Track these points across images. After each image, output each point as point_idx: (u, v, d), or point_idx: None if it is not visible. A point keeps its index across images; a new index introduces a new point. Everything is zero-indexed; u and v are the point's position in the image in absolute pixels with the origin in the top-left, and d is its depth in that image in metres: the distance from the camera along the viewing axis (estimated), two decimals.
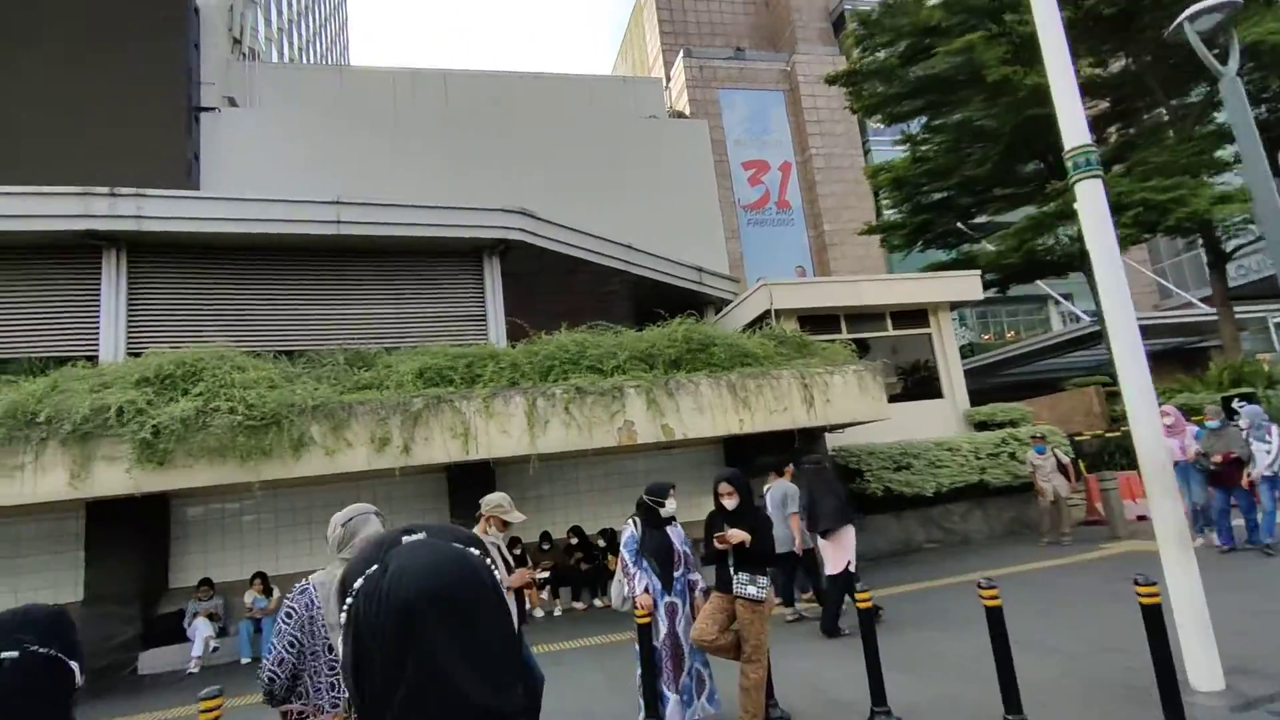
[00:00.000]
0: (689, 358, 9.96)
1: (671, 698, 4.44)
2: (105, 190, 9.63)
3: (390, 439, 8.16)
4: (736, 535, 4.47)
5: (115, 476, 7.34)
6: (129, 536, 8.91)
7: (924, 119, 21.90)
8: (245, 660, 8.76)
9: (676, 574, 4.72)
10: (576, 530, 10.52)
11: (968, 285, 14.30)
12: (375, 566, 0.81)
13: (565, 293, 14.03)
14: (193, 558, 9.74)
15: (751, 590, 4.47)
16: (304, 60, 48.55)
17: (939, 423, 13.48)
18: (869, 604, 4.76)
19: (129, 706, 7.24)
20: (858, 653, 4.77)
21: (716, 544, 4.48)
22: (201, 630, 8.72)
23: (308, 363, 9.35)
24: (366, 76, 31.76)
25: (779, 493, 8.05)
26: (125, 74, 25.97)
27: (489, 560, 0.91)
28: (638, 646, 4.59)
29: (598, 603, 10.06)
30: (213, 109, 27.78)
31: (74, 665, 1.41)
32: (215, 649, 8.67)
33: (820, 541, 7.44)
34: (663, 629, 4.56)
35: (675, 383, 9.37)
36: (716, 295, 15.97)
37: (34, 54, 24.40)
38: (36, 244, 9.67)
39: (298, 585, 2.58)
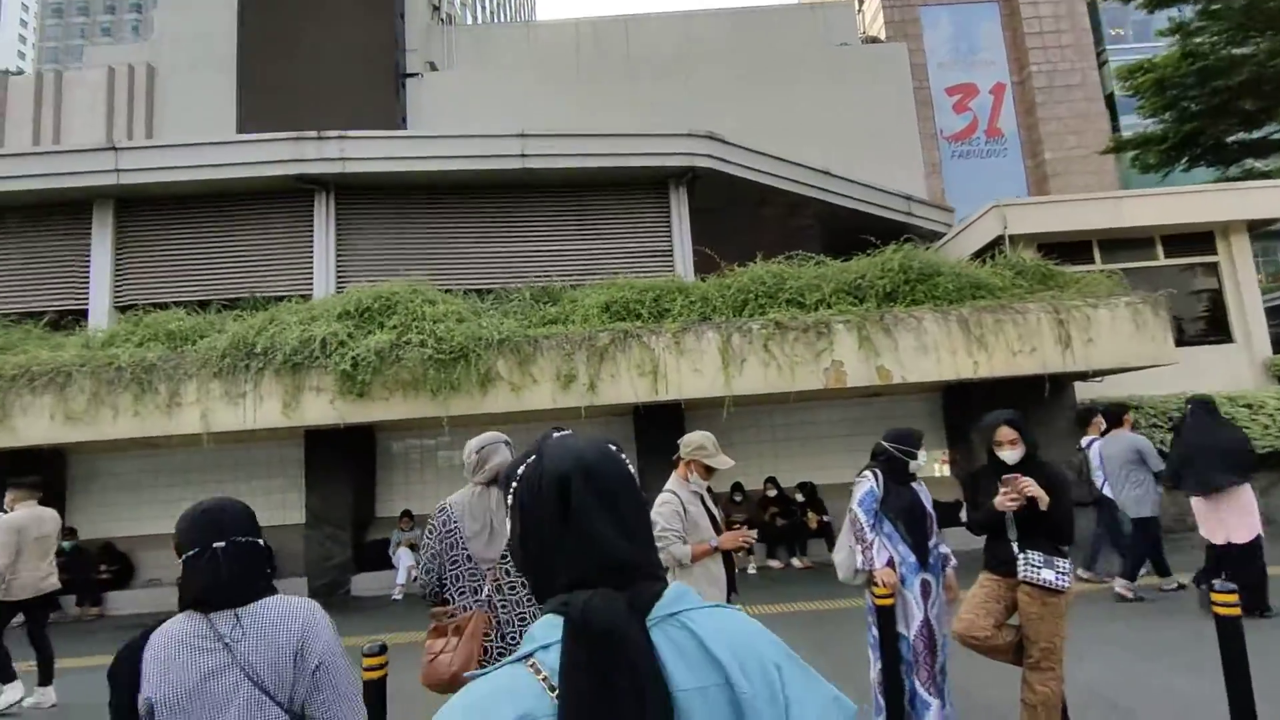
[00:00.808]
0: (906, 290, 8.49)
1: (932, 703, 3.39)
2: (313, 134, 9.97)
3: (576, 376, 7.67)
4: (1033, 486, 3.27)
5: (321, 407, 7.51)
6: (342, 466, 9.33)
7: (1200, 2, 17.64)
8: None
9: (930, 544, 3.61)
10: (772, 481, 9.56)
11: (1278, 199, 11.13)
12: (533, 458, 0.96)
13: (754, 227, 12.86)
14: (396, 489, 10.09)
15: (1047, 575, 3.26)
16: (495, 21, 50.32)
17: (1226, 373, 10.74)
18: (1234, 599, 3.29)
19: (344, 626, 7.44)
20: (1197, 657, 3.38)
21: (1002, 503, 3.30)
22: (404, 559, 8.97)
23: (495, 299, 9.14)
24: (551, 30, 31.93)
25: (1123, 446, 6.53)
26: (341, 44, 28.18)
27: (624, 457, 1.00)
28: (875, 632, 3.58)
29: (795, 562, 9.12)
30: (416, 74, 29.40)
31: (264, 543, 1.82)
32: (415, 578, 8.88)
33: (1201, 504, 5.71)
34: (916, 614, 3.50)
35: (893, 317, 7.98)
36: (927, 228, 13.94)
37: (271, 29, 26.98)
38: (257, 190, 10.26)
39: (437, 506, 2.88)
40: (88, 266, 10.14)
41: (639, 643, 0.79)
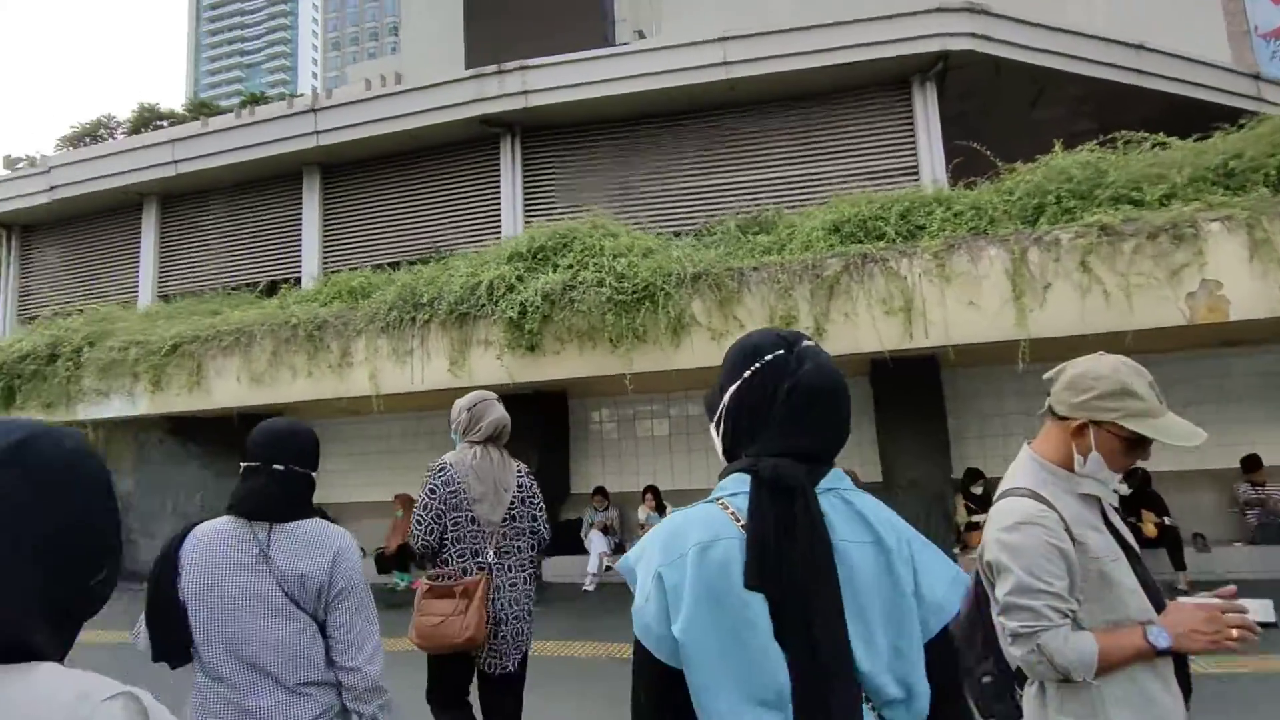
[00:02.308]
0: None
1: None
2: (492, 69, 9.00)
3: (795, 317, 5.73)
4: None
5: (488, 364, 6.39)
6: (531, 435, 8.29)
7: None
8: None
9: None
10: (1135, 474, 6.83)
11: None
12: (782, 350, 1.04)
13: (1025, 130, 9.76)
14: (591, 462, 8.91)
15: None
16: None
17: None
18: None
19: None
20: None
21: None
22: (596, 544, 7.72)
23: (695, 239, 7.47)
24: None
25: None
26: (553, 21, 28.33)
27: None
28: None
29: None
30: (624, 44, 28.71)
31: (314, 476, 1.91)
32: (608, 567, 7.58)
33: None
34: None
35: None
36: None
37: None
38: (445, 141, 9.57)
39: (435, 464, 2.74)
40: (299, 234, 10.19)
41: (813, 498, 0.94)
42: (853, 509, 0.97)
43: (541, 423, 8.27)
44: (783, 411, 1.00)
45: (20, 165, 27.80)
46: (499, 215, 9.27)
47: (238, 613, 1.71)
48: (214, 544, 1.75)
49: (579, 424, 9.05)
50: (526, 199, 9.26)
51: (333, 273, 9.17)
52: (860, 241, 6.01)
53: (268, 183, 10.40)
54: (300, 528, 1.80)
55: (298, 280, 9.82)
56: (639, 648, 0.95)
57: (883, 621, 0.92)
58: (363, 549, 9.05)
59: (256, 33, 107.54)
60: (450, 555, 2.66)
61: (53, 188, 10.92)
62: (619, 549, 7.98)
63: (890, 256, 5.69)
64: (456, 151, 9.65)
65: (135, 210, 11.00)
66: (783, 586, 0.89)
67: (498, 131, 9.35)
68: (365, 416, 9.05)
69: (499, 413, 2.80)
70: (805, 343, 1.06)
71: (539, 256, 6.58)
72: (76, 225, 11.49)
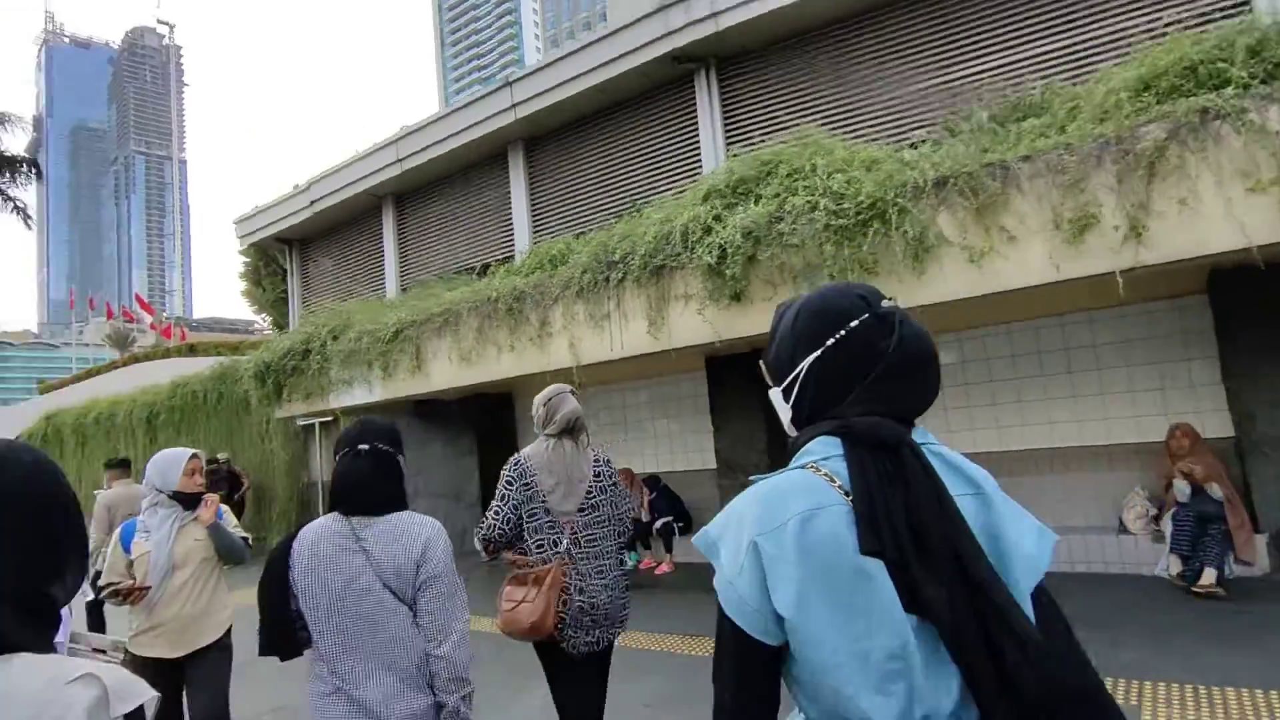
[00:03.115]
0: None
1: None
2: None
3: (1095, 215, 4.09)
4: None
5: (689, 321, 5.56)
6: (751, 401, 7.39)
7: None
8: None
9: None
10: None
11: None
12: (866, 314, 0.99)
13: None
14: None
15: None
16: None
17: None
18: None
19: None
20: None
21: None
22: None
23: (932, 147, 5.92)
24: None
25: None
26: None
27: None
28: None
29: None
30: None
31: (401, 460, 2.03)
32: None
33: None
34: None
35: None
36: None
37: None
38: (639, 90, 8.88)
39: (512, 459, 2.77)
40: (509, 212, 10.24)
41: (920, 452, 0.91)
42: (947, 462, 0.96)
43: (764, 386, 7.32)
44: (875, 379, 0.97)
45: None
46: (699, 157, 8.39)
47: (344, 606, 1.80)
48: (318, 542, 1.86)
49: None
50: (727, 134, 8.25)
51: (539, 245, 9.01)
52: (1190, 95, 4.13)
53: (478, 167, 10.58)
54: (394, 520, 1.90)
55: (513, 259, 9.90)
56: (728, 624, 0.91)
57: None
58: None
59: (489, 46, 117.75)
60: (529, 546, 2.71)
61: (312, 203, 12.22)
62: None
63: (1250, 107, 3.80)
64: (650, 98, 8.93)
65: (376, 211, 11.92)
66: (903, 548, 0.84)
67: (690, 68, 8.43)
68: (588, 391, 8.81)
69: (571, 406, 2.83)
70: (886, 302, 1.02)
71: (739, 190, 5.57)
72: (334, 233, 12.80)
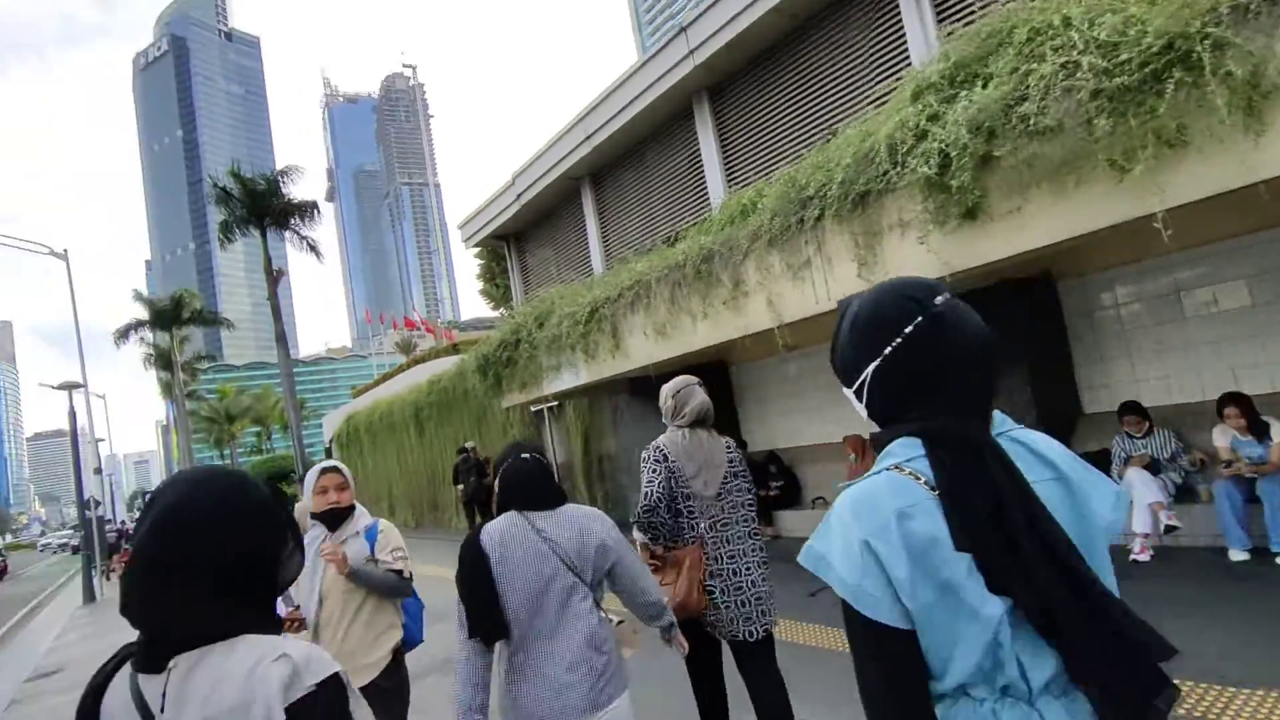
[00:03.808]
0: None
1: None
2: None
3: None
4: None
5: (909, 252, 4.45)
6: (1016, 342, 5.96)
7: None
8: (1238, 553, 4.63)
9: None
10: None
11: None
12: (920, 318, 0.99)
13: None
14: (1110, 368, 6.07)
15: None
16: None
17: None
18: None
19: None
20: None
21: None
22: (1143, 489, 5.05)
23: None
24: None
25: None
26: None
27: None
28: None
29: None
30: None
31: (551, 466, 2.27)
32: (1172, 527, 4.88)
33: None
34: None
35: None
36: None
37: None
38: (820, 4, 7.66)
39: (651, 446, 2.83)
40: (701, 170, 9.57)
41: (999, 450, 0.93)
42: (1026, 448, 0.98)
43: (1023, 317, 5.86)
44: (941, 378, 0.98)
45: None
46: (906, 53, 6.98)
47: (538, 589, 2.01)
48: (507, 535, 2.07)
49: (1080, 313, 6.25)
50: (939, 10, 6.75)
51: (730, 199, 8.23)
52: None
53: (665, 129, 10.02)
54: (566, 512, 2.14)
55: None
56: (867, 625, 0.92)
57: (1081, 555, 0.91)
58: (821, 497, 8.13)
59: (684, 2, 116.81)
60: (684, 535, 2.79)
61: (518, 196, 12.61)
62: (1184, 493, 5.15)
63: None
64: (839, 8, 7.64)
65: (576, 194, 11.95)
66: (991, 543, 0.89)
67: None
68: (802, 352, 7.93)
69: (700, 398, 2.88)
70: (941, 298, 1.01)
71: (958, 79, 4.32)
72: (542, 222, 13.13)
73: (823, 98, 7.82)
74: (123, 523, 19.53)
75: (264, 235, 26.34)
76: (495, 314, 25.66)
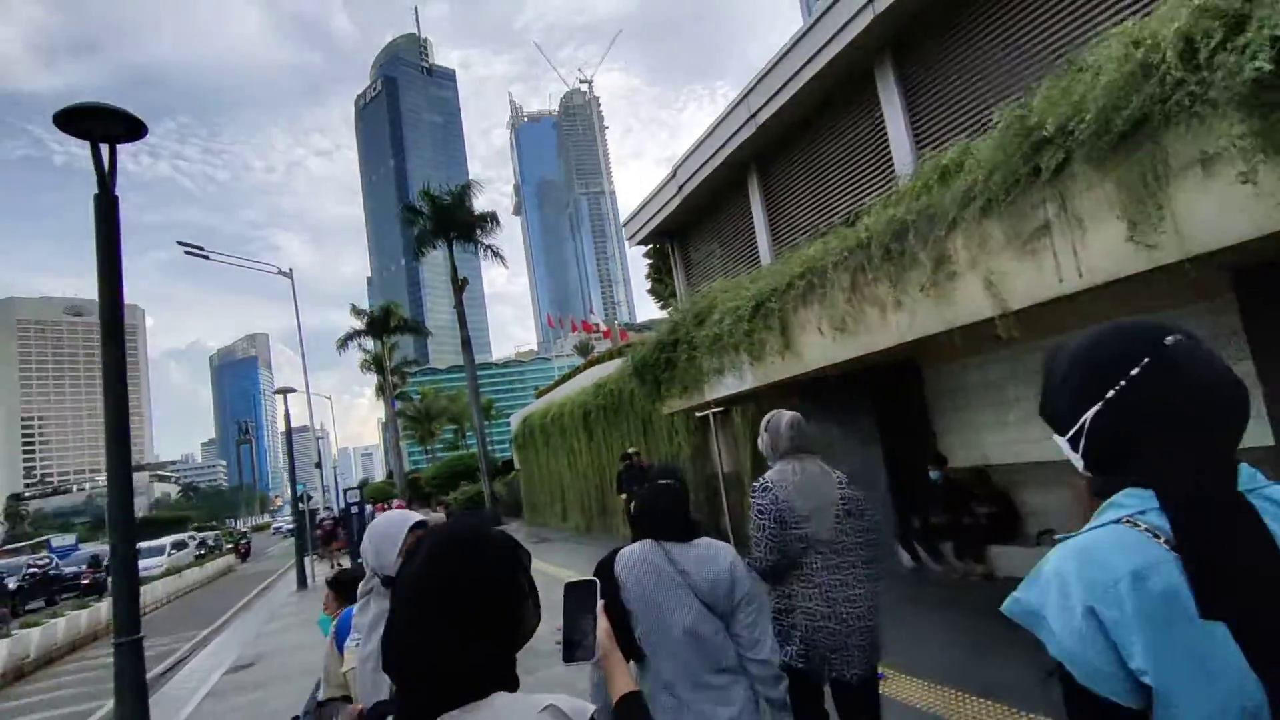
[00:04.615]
0: None
1: None
2: None
3: None
4: None
5: (1217, 196, 3.02)
6: None
7: None
8: None
9: None
10: None
11: None
12: (1148, 359, 0.89)
13: None
14: None
15: None
16: None
17: None
18: None
19: None
20: None
21: None
22: None
23: None
24: None
25: None
26: None
27: None
28: None
29: None
30: None
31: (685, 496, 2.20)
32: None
33: None
34: None
35: None
36: None
37: None
38: None
39: (760, 485, 2.70)
40: (884, 138, 8.22)
41: (1254, 509, 0.83)
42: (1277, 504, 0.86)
43: None
44: (1173, 424, 0.89)
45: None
46: None
47: (671, 622, 1.97)
48: (642, 564, 2.05)
49: None
50: None
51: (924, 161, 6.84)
52: None
53: (838, 98, 8.77)
54: (700, 545, 2.10)
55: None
56: (1083, 696, 0.84)
57: None
58: (1049, 530, 6.51)
59: None
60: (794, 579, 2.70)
61: (680, 188, 11.88)
62: None
63: None
64: None
65: (740, 181, 10.99)
66: (1246, 611, 0.79)
67: None
68: (1024, 347, 6.37)
69: (788, 416, 2.79)
70: (1172, 338, 0.91)
71: None
72: (705, 214, 12.29)
73: (1048, 21, 6.23)
74: (338, 510, 21.50)
75: (450, 247, 28.05)
76: (665, 314, 25.39)
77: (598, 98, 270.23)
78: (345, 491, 17.28)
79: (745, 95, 9.75)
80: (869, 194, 8.27)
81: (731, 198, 11.32)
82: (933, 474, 7.28)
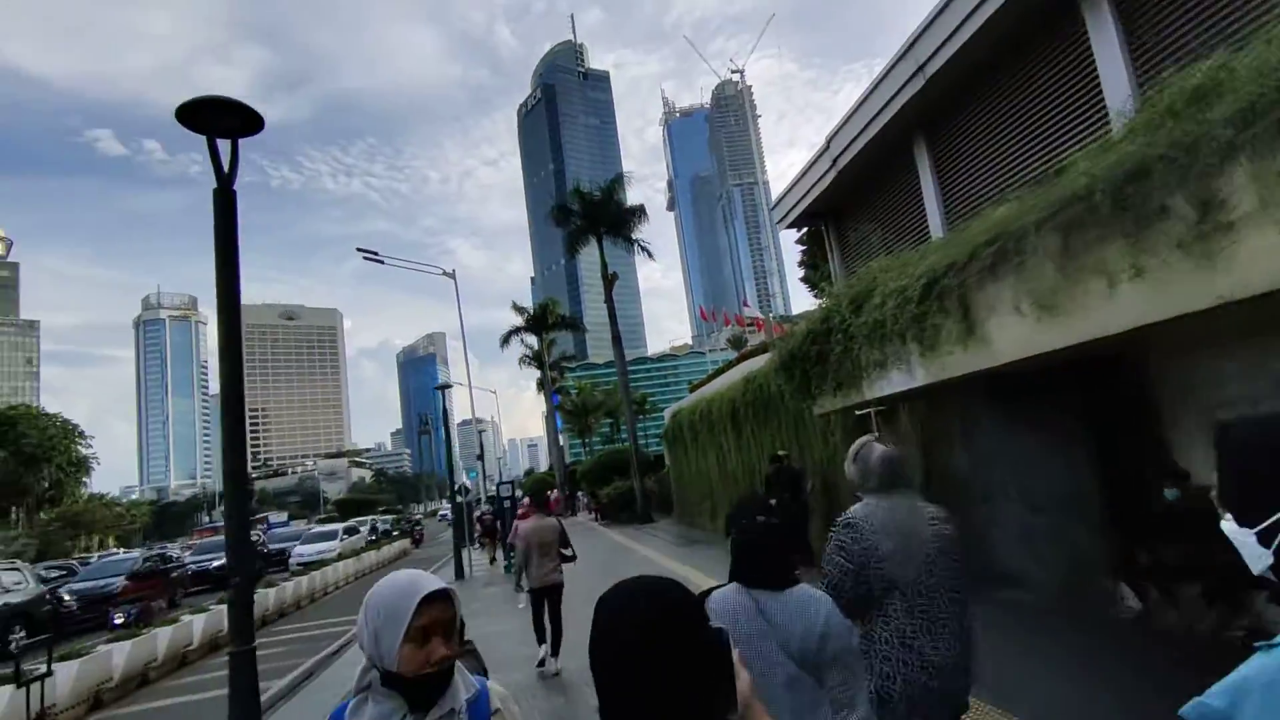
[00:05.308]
0: None
1: None
2: None
3: None
4: None
5: None
6: None
7: None
8: None
9: None
10: None
11: None
12: None
13: None
14: None
15: None
16: None
17: None
18: None
19: None
20: None
21: None
22: None
23: None
24: None
25: None
26: None
27: None
28: None
29: None
30: None
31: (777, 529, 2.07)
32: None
33: None
34: None
35: None
36: None
37: None
38: None
39: (842, 522, 2.56)
40: (1093, 73, 6.65)
41: None
42: None
43: None
44: None
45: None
46: None
47: (758, 681, 1.58)
48: (730, 611, 1.91)
49: None
50: None
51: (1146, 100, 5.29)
52: None
53: (1028, 32, 7.26)
54: (793, 595, 1.95)
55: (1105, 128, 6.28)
56: None
57: None
58: None
59: None
60: (879, 622, 2.54)
61: (834, 161, 10.68)
62: None
63: None
64: None
65: (905, 148, 9.62)
66: None
67: None
68: None
69: (881, 451, 2.62)
70: None
71: None
72: (864, 189, 10.99)
73: None
74: (492, 503, 22.26)
75: (600, 242, 28.22)
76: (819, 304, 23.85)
77: (750, 87, 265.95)
78: (498, 486, 17.65)
79: (910, 45, 8.42)
80: (1071, 147, 6.73)
81: (894, 168, 9.97)
82: (1168, 493, 5.72)
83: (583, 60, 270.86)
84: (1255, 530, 0.90)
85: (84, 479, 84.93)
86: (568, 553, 7.26)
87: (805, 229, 15.68)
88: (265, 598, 14.48)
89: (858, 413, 10.16)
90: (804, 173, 11.83)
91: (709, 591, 1.92)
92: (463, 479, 19.41)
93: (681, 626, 0.99)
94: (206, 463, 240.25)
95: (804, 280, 22.54)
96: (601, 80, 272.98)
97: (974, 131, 8.41)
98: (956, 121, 8.70)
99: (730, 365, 22.46)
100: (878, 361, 6.01)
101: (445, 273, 26.02)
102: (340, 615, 13.97)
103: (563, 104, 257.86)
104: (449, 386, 18.97)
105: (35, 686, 7.70)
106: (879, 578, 2.43)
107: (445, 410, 18.04)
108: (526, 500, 8.61)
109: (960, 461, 7.19)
